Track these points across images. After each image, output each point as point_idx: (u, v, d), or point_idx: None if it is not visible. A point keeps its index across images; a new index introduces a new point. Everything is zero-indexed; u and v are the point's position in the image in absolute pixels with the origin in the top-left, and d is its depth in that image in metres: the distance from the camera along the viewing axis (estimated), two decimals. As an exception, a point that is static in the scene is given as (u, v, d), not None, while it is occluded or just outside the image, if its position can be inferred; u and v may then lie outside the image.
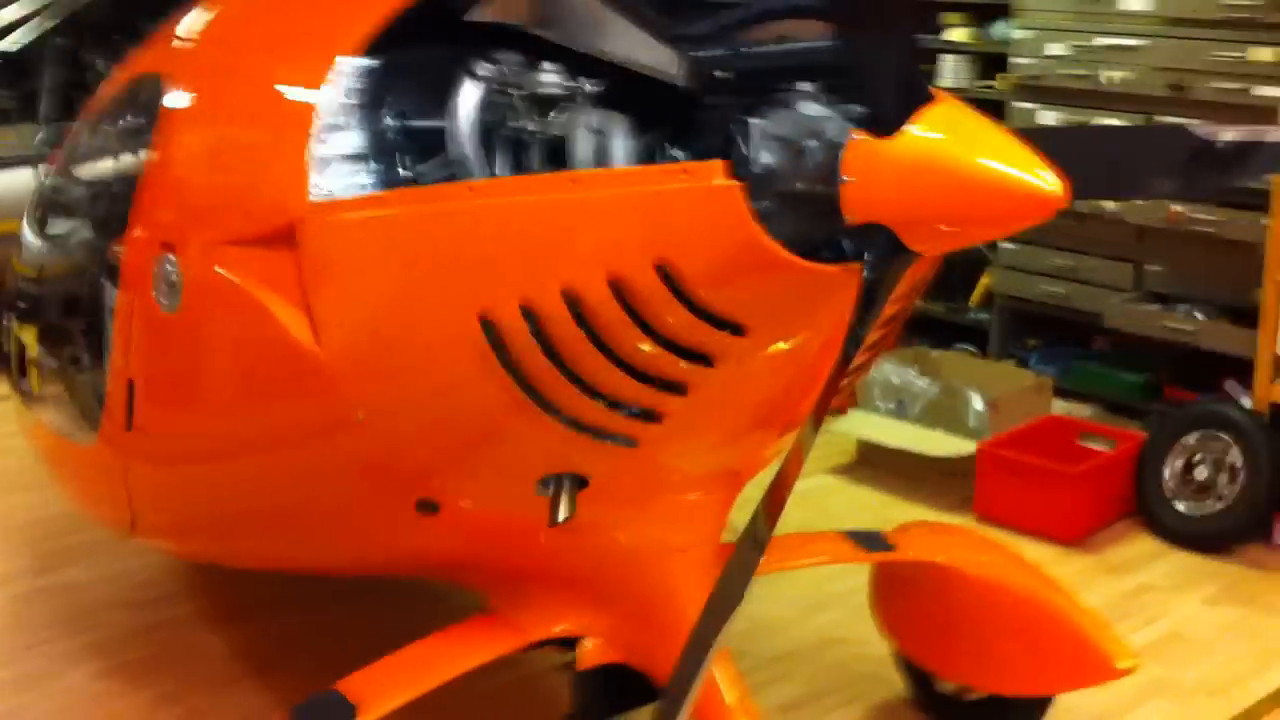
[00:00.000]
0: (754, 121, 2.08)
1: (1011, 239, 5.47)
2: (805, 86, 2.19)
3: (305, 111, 2.36)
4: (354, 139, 2.37)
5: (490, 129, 2.38)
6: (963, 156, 1.84)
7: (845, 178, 1.92)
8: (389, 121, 2.43)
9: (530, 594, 2.70)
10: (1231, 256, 4.78)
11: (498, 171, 2.37)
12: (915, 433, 4.88)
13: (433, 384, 2.29)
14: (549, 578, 2.68)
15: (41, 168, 5.26)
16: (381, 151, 2.39)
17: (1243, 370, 4.54)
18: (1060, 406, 5.17)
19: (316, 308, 2.33)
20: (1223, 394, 4.76)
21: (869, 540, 3.14)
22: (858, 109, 1.96)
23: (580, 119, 2.25)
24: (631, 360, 2.12)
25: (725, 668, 2.56)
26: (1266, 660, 3.75)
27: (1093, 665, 2.99)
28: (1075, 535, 4.37)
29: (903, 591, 3.34)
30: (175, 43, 2.82)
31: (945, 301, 5.95)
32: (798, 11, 2.34)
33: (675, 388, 2.18)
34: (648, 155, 2.25)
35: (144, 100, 2.90)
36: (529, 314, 2.10)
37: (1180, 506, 4.42)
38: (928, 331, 5.89)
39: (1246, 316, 4.58)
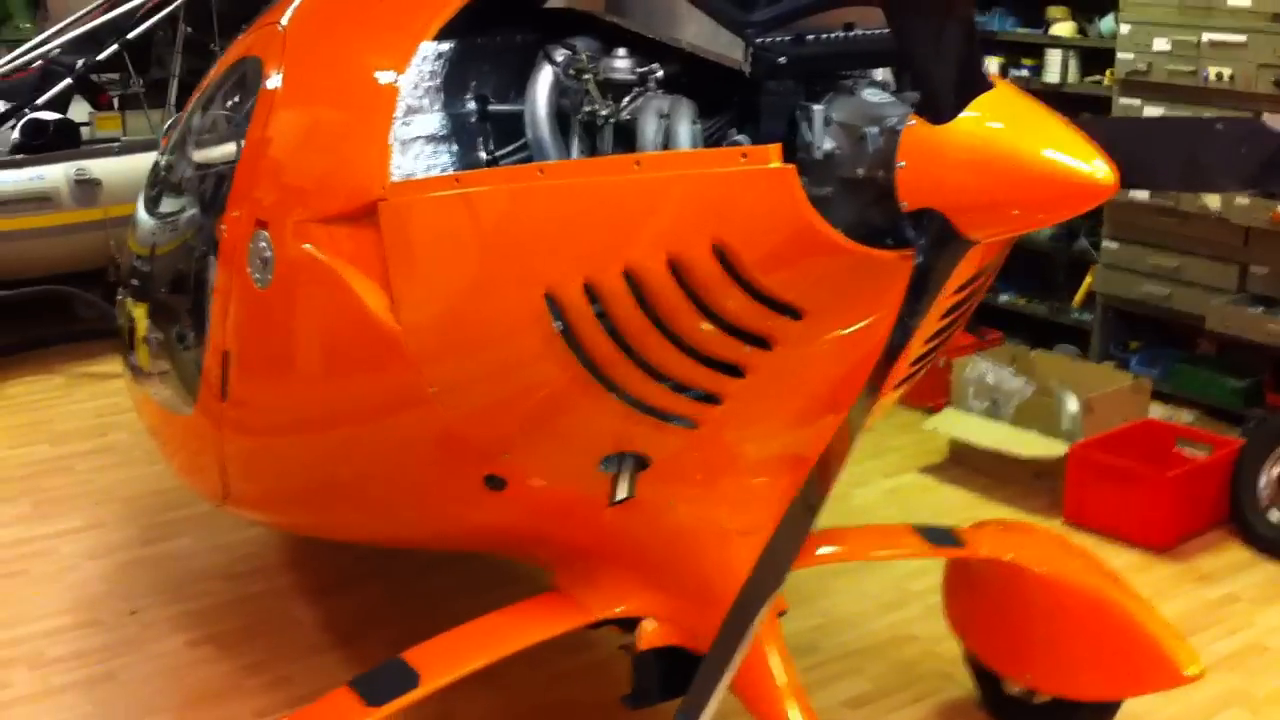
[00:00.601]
0: (816, 108, 2.12)
1: (1115, 238, 5.39)
2: (869, 74, 2.22)
3: (389, 94, 2.44)
4: (435, 121, 2.45)
5: (565, 114, 2.44)
6: (1014, 142, 1.85)
7: (900, 163, 1.94)
8: (470, 105, 2.51)
9: (594, 573, 2.75)
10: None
11: (572, 155, 2.43)
12: (1007, 433, 4.83)
13: (501, 361, 2.35)
14: (612, 558, 2.72)
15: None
16: (462, 134, 2.47)
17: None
18: (1159, 410, 5.08)
19: (394, 284, 2.41)
20: (1326, 402, 4.65)
21: (938, 536, 3.14)
22: (915, 96, 1.98)
23: (650, 104, 2.31)
24: (690, 341, 2.16)
25: (778, 649, 2.59)
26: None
27: (1160, 671, 2.95)
28: (1165, 542, 4.30)
29: (973, 590, 3.33)
30: (274, 27, 2.92)
31: (1048, 301, 5.87)
32: None
33: (734, 370, 2.21)
34: (713, 140, 2.29)
35: (244, 83, 3.02)
36: (592, 292, 2.15)
37: (1274, 516, 4.32)
38: (1029, 331, 5.83)
39: (1354, 323, 4.47)
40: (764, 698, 2.58)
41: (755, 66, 2.17)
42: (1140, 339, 5.57)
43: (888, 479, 4.97)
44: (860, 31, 2.26)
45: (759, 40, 2.16)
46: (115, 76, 7.14)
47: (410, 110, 2.44)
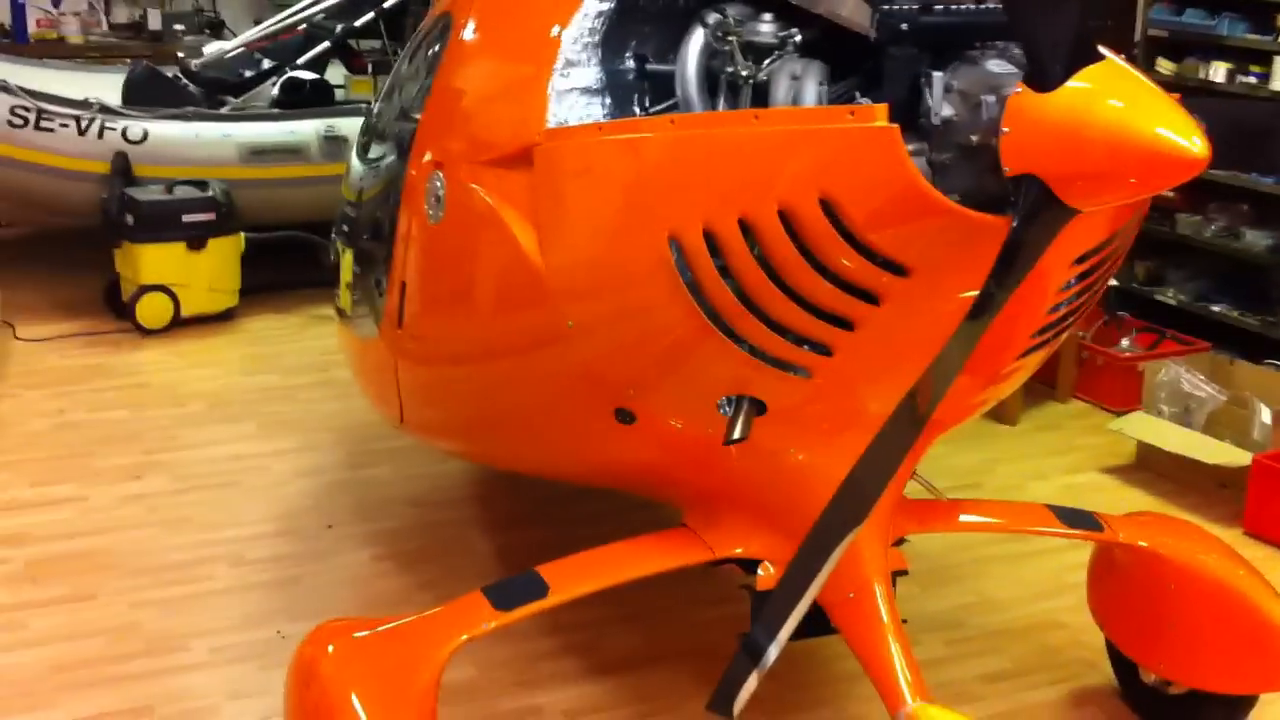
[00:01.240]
0: (937, 75, 2.21)
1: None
2: (1008, 47, 2.29)
3: (552, 47, 2.64)
4: (590, 75, 2.64)
5: (714, 74, 2.59)
6: (1111, 112, 1.92)
7: (1005, 129, 2.02)
8: (628, 63, 2.69)
9: (719, 515, 2.89)
10: None
11: (716, 113, 2.58)
12: (1195, 439, 4.73)
13: (630, 303, 2.53)
14: (736, 501, 2.85)
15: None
16: (616, 88, 2.65)
17: None
18: (1366, 433, 4.85)
19: (541, 225, 2.62)
20: None
21: (1075, 517, 3.15)
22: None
23: (785, 66, 2.44)
24: (800, 290, 2.29)
25: (887, 591, 2.68)
26: None
27: None
28: (1346, 559, 4.15)
29: (1114, 577, 3.33)
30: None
31: (1260, 314, 5.66)
32: None
33: (843, 323, 2.33)
34: (839, 102, 2.40)
35: (438, 35, 3.28)
36: (712, 242, 2.30)
37: None
38: (1241, 345, 5.64)
39: None
40: (866, 635, 2.66)
41: (880, 32, 2.27)
42: (1356, 358, 5.33)
43: (1068, 476, 4.93)
44: (993, 4, 2.33)
45: (884, 7, 2.26)
46: (376, 45, 7.63)
47: (569, 63, 2.63)
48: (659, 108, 2.67)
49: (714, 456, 2.70)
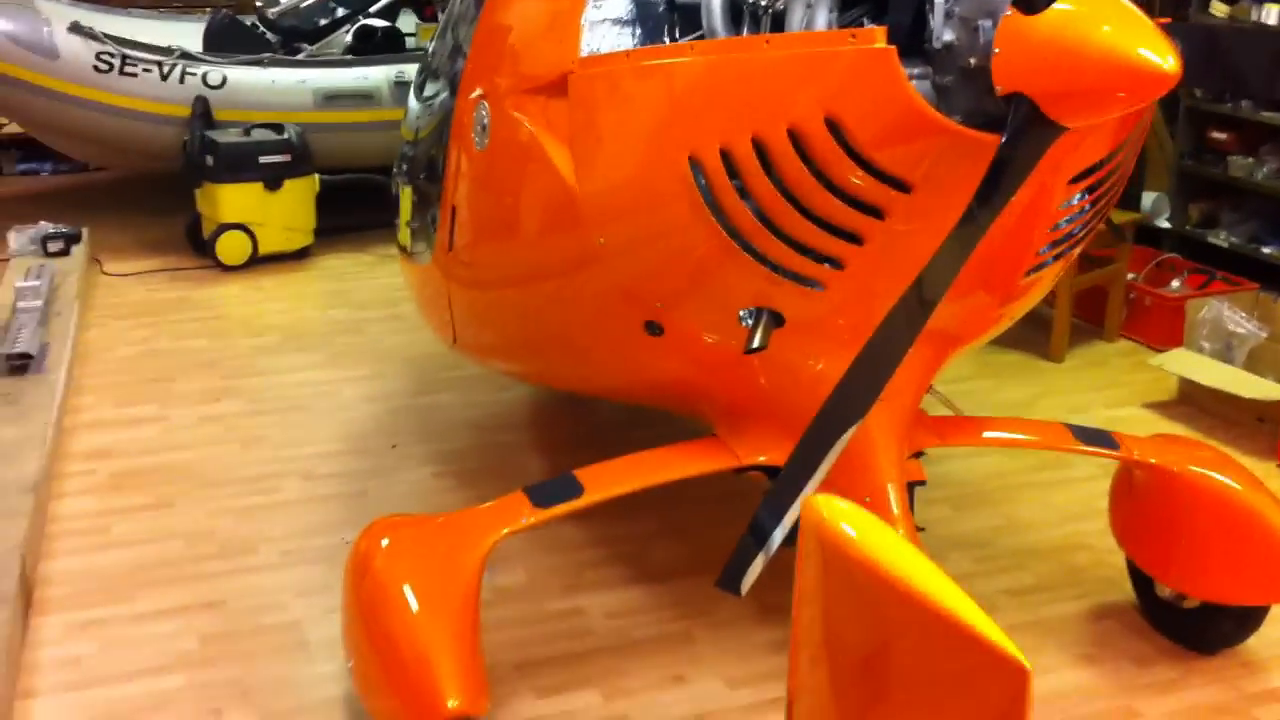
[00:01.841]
0: (940, 2, 2.35)
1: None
2: None
3: None
4: (623, 6, 2.81)
5: (737, 5, 2.75)
6: (1094, 32, 2.06)
7: (995, 50, 2.18)
8: None
9: (745, 425, 3.06)
10: None
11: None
12: (1235, 375, 4.81)
13: (656, 223, 2.71)
14: (764, 413, 3.01)
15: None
16: (646, 20, 2.82)
17: None
18: None
19: (575, 149, 2.81)
20: None
21: (1092, 435, 3.29)
22: None
23: (801, -3, 2.59)
24: (810, 206, 2.46)
25: (902, 498, 2.82)
26: None
27: None
28: (1376, 491, 4.22)
29: (1132, 495, 3.45)
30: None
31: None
32: None
33: (853, 237, 2.49)
34: (850, 28, 2.55)
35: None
36: (729, 162, 2.48)
37: None
38: (1288, 284, 5.70)
39: None
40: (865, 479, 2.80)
41: (886, -39, 2.42)
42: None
43: (1109, 410, 5.03)
44: None
45: None
46: (447, -6, 7.82)
47: None
48: (687, 39, 2.84)
49: (737, 367, 2.88)
